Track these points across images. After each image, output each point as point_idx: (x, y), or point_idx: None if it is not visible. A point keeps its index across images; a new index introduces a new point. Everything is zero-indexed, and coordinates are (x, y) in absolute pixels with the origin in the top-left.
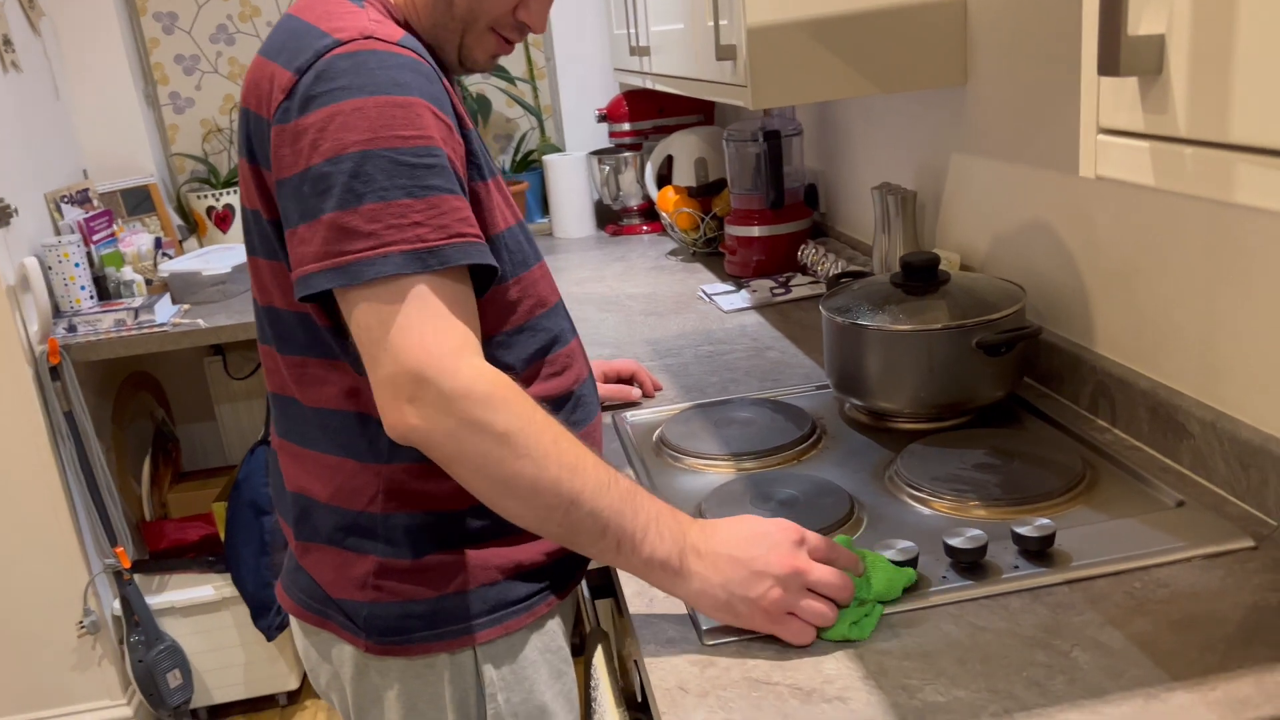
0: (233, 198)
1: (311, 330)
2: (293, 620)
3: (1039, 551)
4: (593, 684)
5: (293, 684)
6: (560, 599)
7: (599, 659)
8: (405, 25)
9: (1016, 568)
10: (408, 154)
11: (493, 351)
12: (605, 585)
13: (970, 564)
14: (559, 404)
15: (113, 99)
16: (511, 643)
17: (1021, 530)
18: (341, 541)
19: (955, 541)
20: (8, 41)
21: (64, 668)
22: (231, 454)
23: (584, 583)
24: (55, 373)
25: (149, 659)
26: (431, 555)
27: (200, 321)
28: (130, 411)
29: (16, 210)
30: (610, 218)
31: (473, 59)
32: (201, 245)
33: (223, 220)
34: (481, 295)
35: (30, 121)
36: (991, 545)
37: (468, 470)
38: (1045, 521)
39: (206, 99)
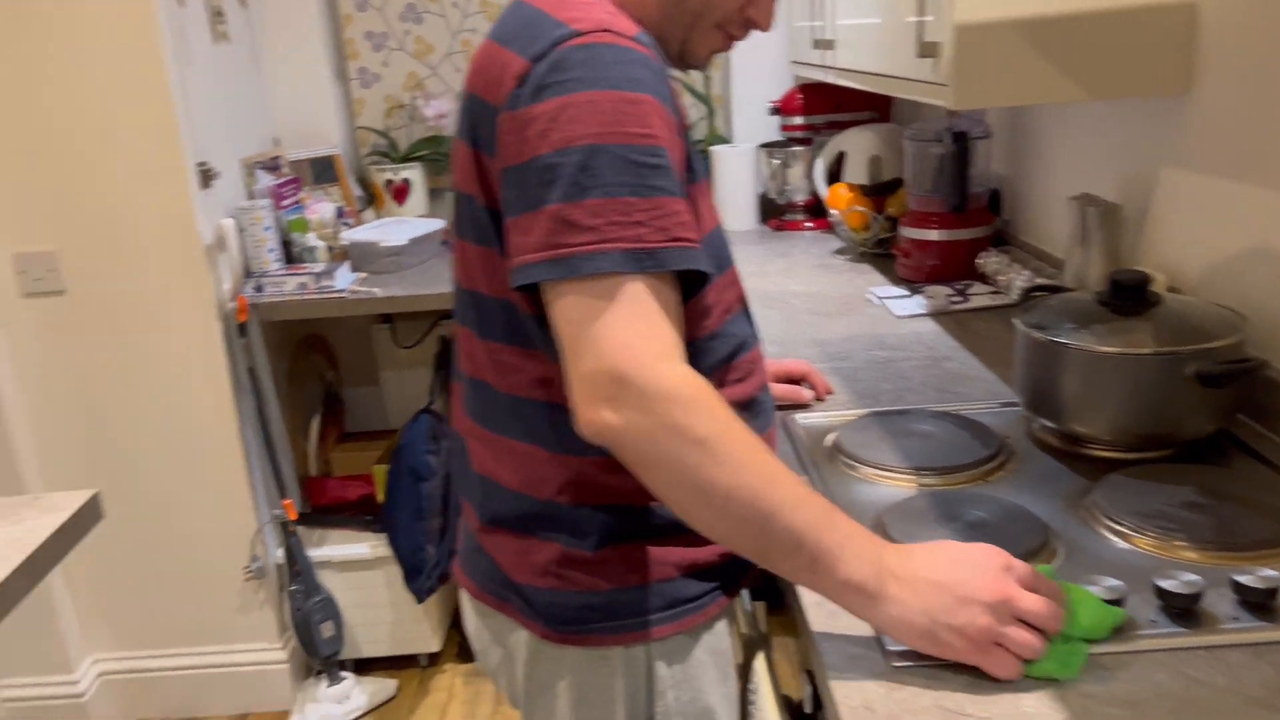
0: (410, 172)
1: (514, 318)
2: (467, 600)
3: (1263, 604)
4: (751, 689)
5: (434, 646)
6: (729, 600)
7: (760, 665)
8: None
9: (1236, 619)
10: (636, 152)
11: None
12: (764, 589)
13: (1184, 610)
14: (740, 410)
15: (306, 71)
16: (684, 641)
17: (1244, 579)
18: (526, 528)
19: (1168, 584)
20: (219, 14)
21: (229, 609)
22: (392, 419)
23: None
24: (242, 330)
25: (306, 608)
26: (613, 548)
27: (376, 290)
28: (303, 372)
29: (219, 173)
30: (773, 212)
31: (694, 55)
32: (378, 216)
33: (400, 193)
34: (686, 301)
35: (233, 90)
36: (1207, 592)
37: (662, 474)
38: (1272, 573)
39: (392, 75)
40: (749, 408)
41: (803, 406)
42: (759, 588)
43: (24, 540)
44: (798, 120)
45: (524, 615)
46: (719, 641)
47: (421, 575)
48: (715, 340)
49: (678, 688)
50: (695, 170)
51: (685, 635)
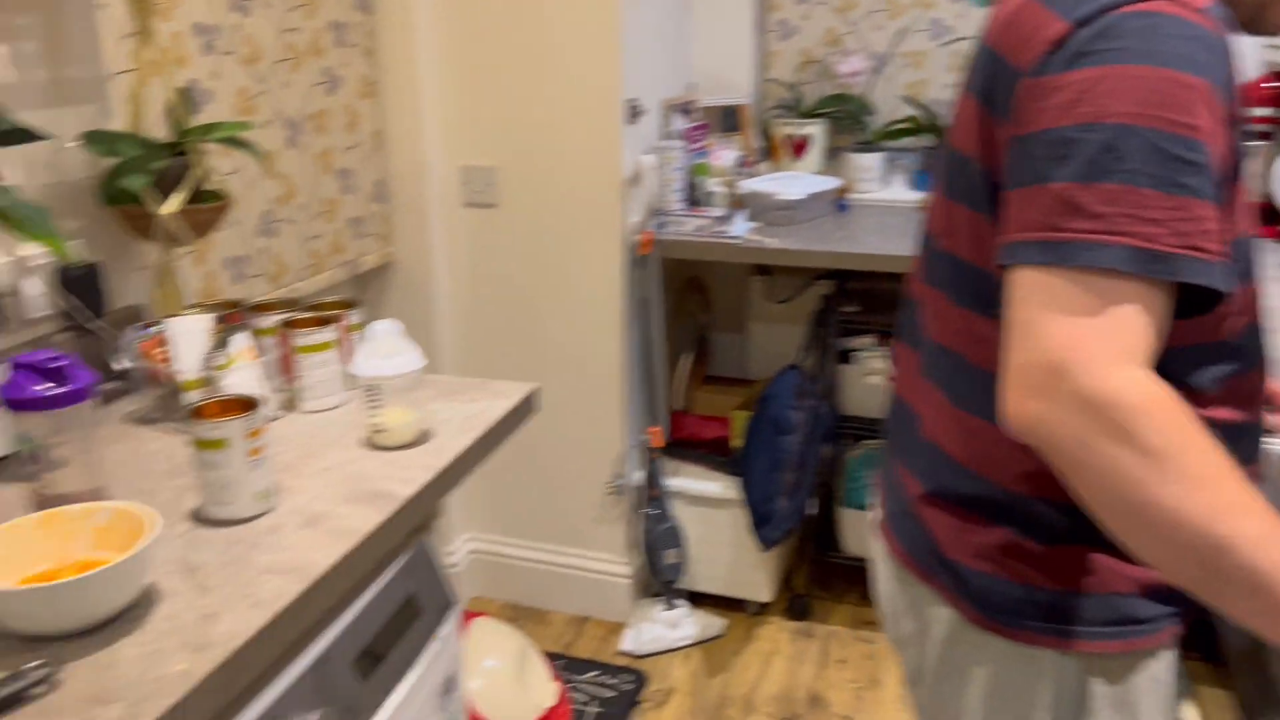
0: (812, 128)
1: (991, 288)
2: (884, 561)
3: None
4: None
5: (765, 596)
6: (1182, 629)
7: (1190, 714)
8: None
9: None
10: (1172, 142)
11: (1180, 367)
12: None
13: None
14: (1229, 435)
15: (729, 20)
16: (1127, 662)
17: None
18: (972, 506)
19: None
20: None
21: (586, 517)
22: (752, 368)
23: None
24: (641, 261)
25: (656, 532)
26: (1066, 547)
27: (767, 241)
28: (681, 310)
29: (645, 111)
30: None
31: (1272, 23)
32: (771, 169)
33: (798, 148)
34: (1188, 316)
35: (665, 32)
36: None
37: (1093, 482)
38: None
39: (811, 29)
40: (1235, 434)
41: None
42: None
43: (478, 418)
44: (1260, 112)
45: (952, 592)
46: (1164, 673)
47: (769, 525)
48: (1222, 351)
49: (1113, 711)
50: (1239, 170)
51: (1129, 657)
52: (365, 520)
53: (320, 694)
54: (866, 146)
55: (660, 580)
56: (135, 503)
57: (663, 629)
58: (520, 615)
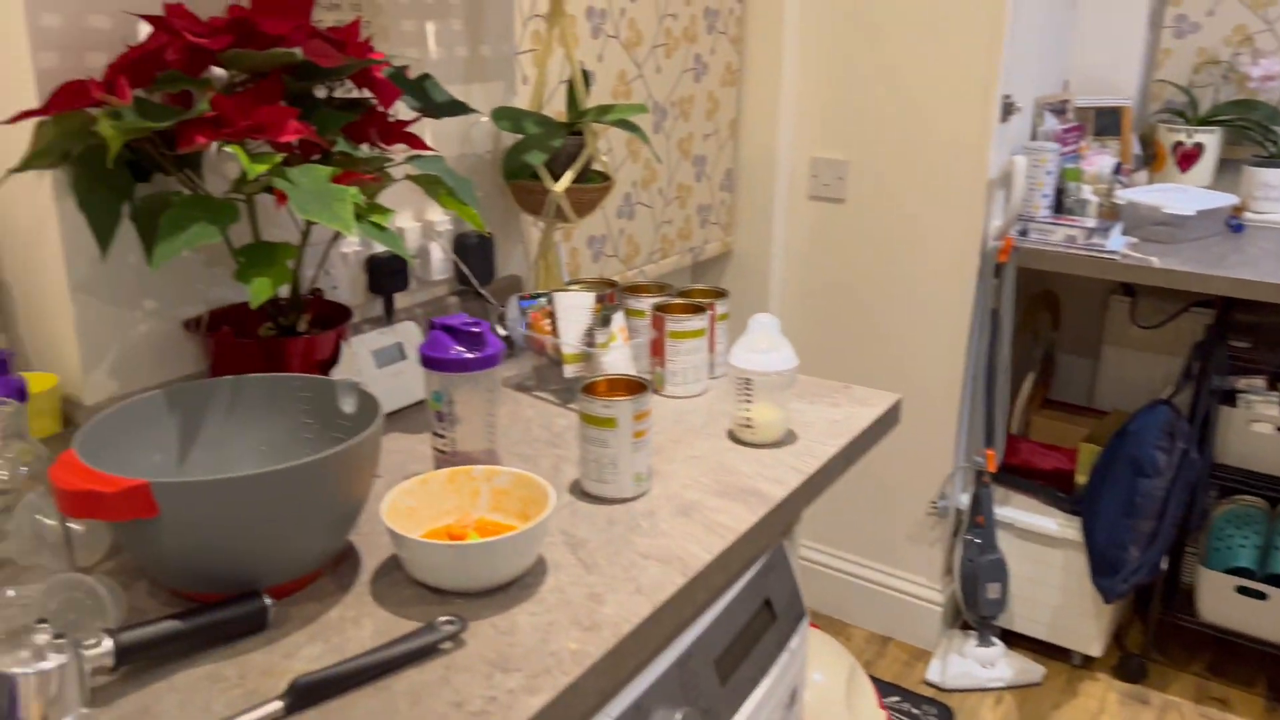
0: (1206, 137)
1: None
2: None
3: None
4: None
5: (1094, 650)
6: None
7: None
8: None
9: None
10: None
11: None
12: None
13: None
14: None
15: (1119, 12)
16: None
17: None
18: None
19: None
20: None
21: (903, 535)
22: (1101, 397)
23: None
24: (997, 270)
25: (979, 562)
26: None
27: (1153, 259)
28: (1028, 326)
29: (1019, 109)
30: None
31: None
32: (1151, 179)
33: (1187, 159)
34: None
35: (1046, 26)
36: None
37: None
38: None
39: (1215, 26)
40: None
41: None
42: None
43: (843, 425)
44: None
45: None
46: None
47: (1115, 575)
48: None
49: None
50: None
51: None
52: (738, 518)
53: (685, 692)
54: (1270, 161)
55: (976, 614)
56: (531, 473)
57: (973, 665)
58: (822, 624)
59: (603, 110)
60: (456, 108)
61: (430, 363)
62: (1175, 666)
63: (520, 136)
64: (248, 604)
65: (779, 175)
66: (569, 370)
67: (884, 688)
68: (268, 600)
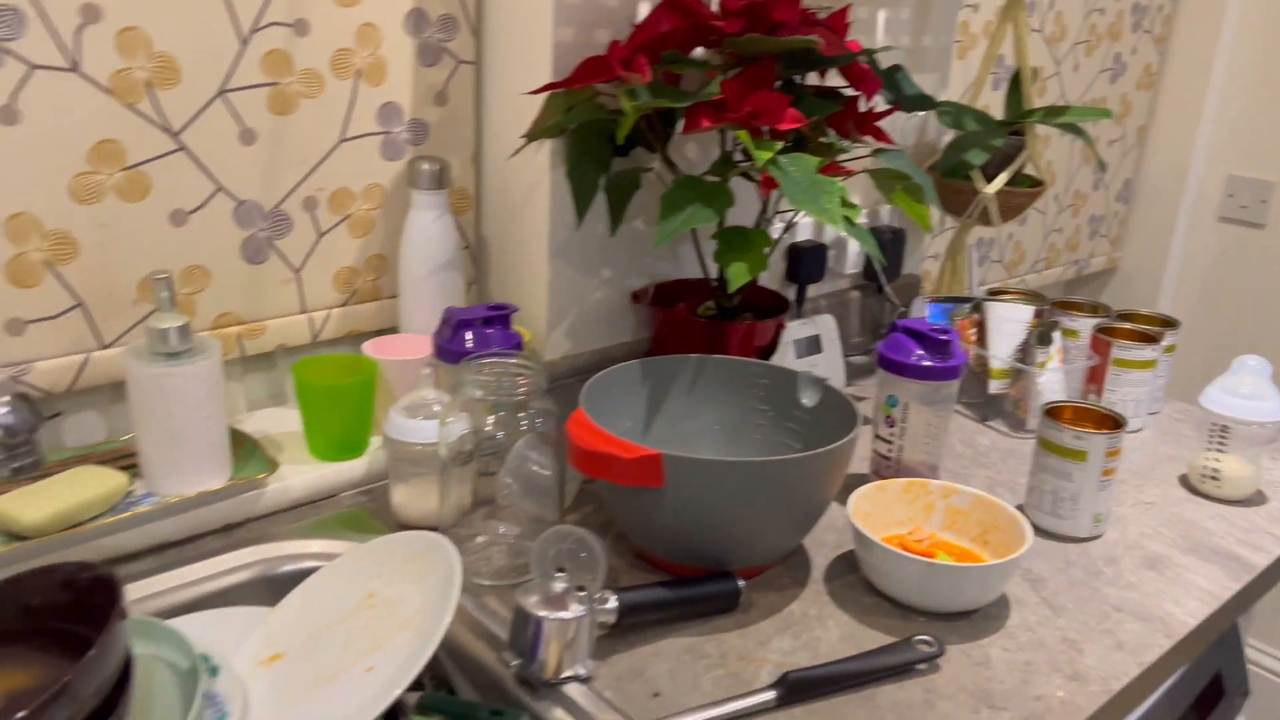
0: None
1: None
2: None
3: None
4: None
5: None
6: None
7: None
8: None
9: None
10: None
11: None
12: None
13: None
14: None
15: None
16: None
17: None
18: None
19: None
20: None
21: None
22: None
23: None
24: None
25: None
26: None
27: None
28: None
29: None
30: None
31: None
32: None
33: None
34: None
35: None
36: None
37: None
38: None
39: None
40: None
41: None
42: None
43: None
44: None
45: None
46: None
47: None
48: None
49: None
50: None
51: None
52: (1217, 583)
53: None
54: None
55: None
56: (998, 498)
57: None
58: None
59: (1053, 112)
60: (925, 102)
61: (890, 365)
62: None
63: (958, 133)
64: (725, 583)
65: (1187, 191)
66: (994, 386)
67: None
68: (740, 583)
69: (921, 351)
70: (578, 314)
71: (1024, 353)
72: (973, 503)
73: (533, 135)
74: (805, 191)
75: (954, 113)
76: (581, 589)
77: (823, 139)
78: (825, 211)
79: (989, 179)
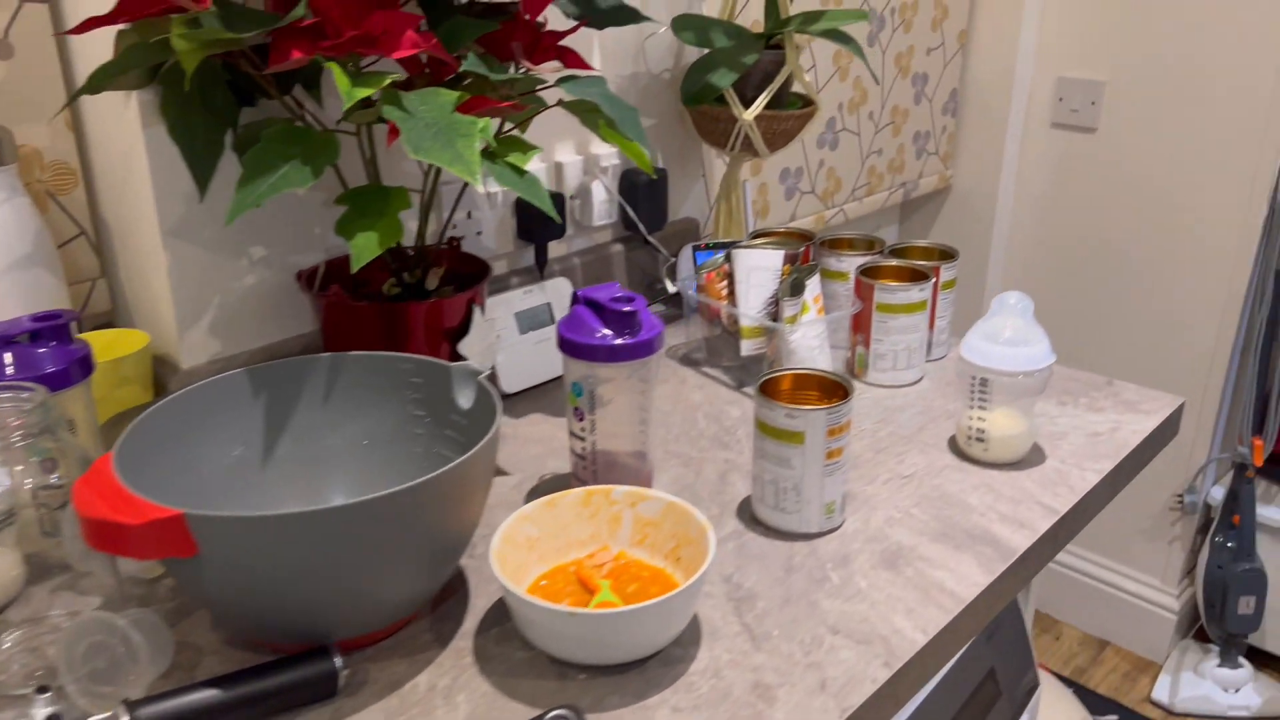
0: None
1: None
2: None
3: None
4: None
5: None
6: None
7: None
8: None
9: None
10: None
11: None
12: None
13: None
14: None
15: None
16: None
17: None
18: None
19: None
20: None
21: (1137, 530)
22: None
23: None
24: None
25: (1230, 570)
26: None
27: None
28: None
29: None
30: None
31: None
32: None
33: None
34: None
35: None
36: None
37: None
38: None
39: None
40: None
41: None
42: None
43: (1106, 440)
44: None
45: None
46: None
47: None
48: None
49: None
50: None
51: None
52: (965, 580)
53: None
54: None
55: (1221, 630)
56: (688, 503)
57: (1212, 688)
58: None
59: (809, 18)
60: (625, 15)
61: (569, 347)
62: None
63: (705, 52)
64: (311, 665)
65: (1015, 97)
66: (747, 347)
67: (1099, 703)
68: (338, 661)
69: (606, 330)
70: (222, 306)
71: (775, 306)
72: (664, 511)
73: (86, 87)
74: (434, 136)
75: (697, 28)
76: (56, 718)
77: (471, 68)
78: (460, 160)
79: (749, 102)
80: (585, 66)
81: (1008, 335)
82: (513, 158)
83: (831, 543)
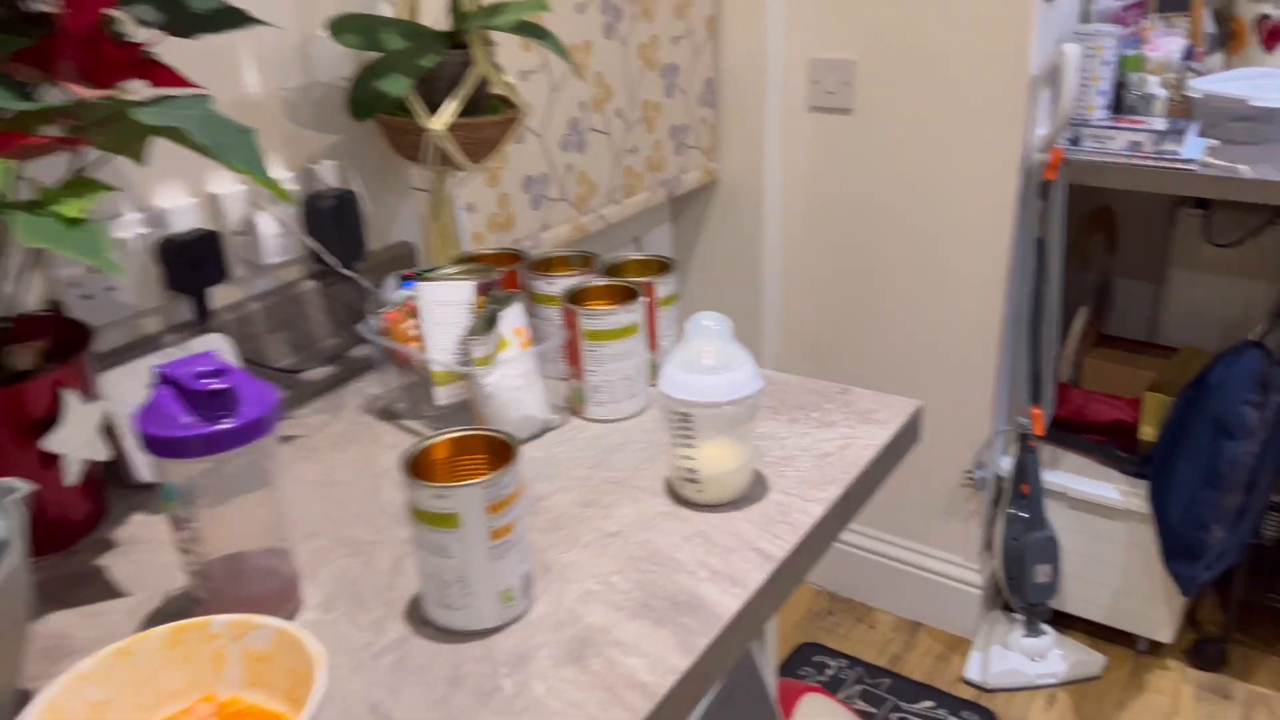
0: None
1: None
2: None
3: None
4: None
5: (1163, 635)
6: None
7: None
8: None
9: None
10: None
11: None
12: None
13: None
14: None
15: None
16: None
17: None
18: None
19: None
20: None
21: (934, 509)
22: (1166, 331)
23: None
24: (1042, 190)
25: (1024, 540)
26: None
27: (1242, 168)
28: (1079, 252)
29: None
30: None
31: None
32: (1228, 65)
33: (1275, 36)
34: None
35: None
36: None
37: None
38: None
39: None
40: None
41: None
42: None
43: (837, 459)
44: None
45: None
46: None
47: (1195, 561)
48: None
49: None
50: None
51: None
52: (660, 665)
53: None
54: None
55: (1022, 600)
56: (303, 629)
57: (1020, 660)
58: (840, 609)
59: (490, 11)
60: (226, 19)
61: (150, 443)
62: (1265, 651)
63: (379, 56)
64: None
65: (771, 84)
66: (442, 395)
67: (915, 690)
68: None
69: (190, 417)
70: None
71: (470, 346)
72: (274, 641)
73: None
74: None
75: (362, 30)
76: None
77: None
78: None
79: (435, 109)
80: (181, 83)
81: (707, 362)
82: (61, 207)
83: (510, 638)
